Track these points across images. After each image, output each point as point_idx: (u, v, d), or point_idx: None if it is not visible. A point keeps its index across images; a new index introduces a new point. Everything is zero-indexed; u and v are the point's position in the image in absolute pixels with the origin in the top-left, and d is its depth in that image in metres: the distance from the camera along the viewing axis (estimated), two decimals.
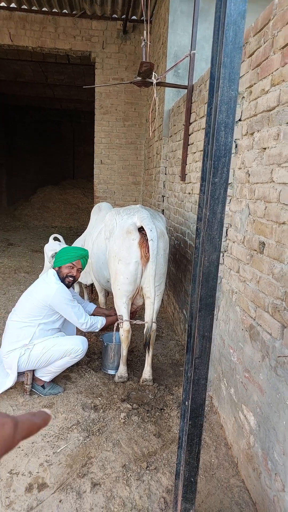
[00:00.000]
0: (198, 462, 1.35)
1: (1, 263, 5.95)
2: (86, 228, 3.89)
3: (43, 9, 5.59)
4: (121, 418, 2.25)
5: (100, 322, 2.58)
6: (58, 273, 2.48)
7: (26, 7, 5.54)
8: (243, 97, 2.02)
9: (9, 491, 1.72)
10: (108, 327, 2.71)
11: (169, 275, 3.98)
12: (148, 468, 1.90)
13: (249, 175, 1.91)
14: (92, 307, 2.90)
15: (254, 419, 1.74)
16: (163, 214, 4.38)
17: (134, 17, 5.66)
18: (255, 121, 1.86)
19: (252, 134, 1.89)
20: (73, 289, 2.87)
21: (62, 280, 2.46)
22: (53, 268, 2.54)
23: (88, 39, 5.79)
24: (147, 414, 2.31)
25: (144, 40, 3.02)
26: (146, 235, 2.46)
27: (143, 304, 2.73)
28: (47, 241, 4.01)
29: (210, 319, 1.23)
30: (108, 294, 3.52)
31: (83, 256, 2.54)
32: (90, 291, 4.15)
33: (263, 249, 1.71)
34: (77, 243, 3.88)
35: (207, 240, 1.18)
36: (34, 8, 5.57)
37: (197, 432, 1.32)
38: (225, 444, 2.10)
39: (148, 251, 2.45)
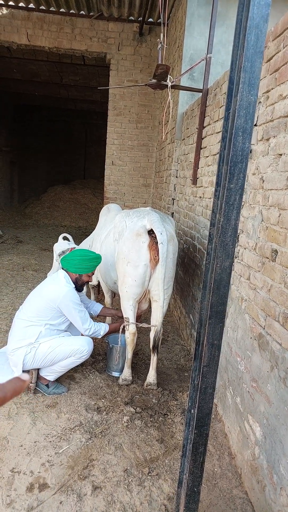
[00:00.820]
0: (202, 472, 1.32)
1: (10, 260, 6.00)
2: (94, 228, 3.90)
3: (60, 10, 5.64)
4: (124, 422, 2.23)
5: (103, 329, 2.58)
6: (77, 280, 2.50)
7: (44, 8, 5.60)
8: (260, 102, 1.99)
9: (10, 490, 1.72)
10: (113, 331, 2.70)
11: (177, 279, 3.95)
12: (149, 474, 1.87)
13: (263, 181, 1.88)
14: (99, 307, 2.89)
15: (260, 430, 1.70)
16: (172, 217, 4.36)
17: (150, 20, 5.67)
18: (271, 127, 1.83)
19: (267, 139, 1.87)
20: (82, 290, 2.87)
21: (75, 283, 2.47)
22: (62, 269, 2.54)
23: (104, 41, 5.82)
24: (150, 419, 2.29)
25: (160, 42, 3.02)
26: (155, 238, 2.45)
27: (148, 308, 2.72)
28: (56, 240, 4.03)
29: (220, 327, 1.21)
30: (115, 295, 3.51)
31: (99, 263, 2.60)
32: (97, 292, 4.15)
33: (275, 257, 1.68)
34: (85, 243, 3.89)
35: (220, 247, 1.16)
36: (52, 9, 5.62)
37: (203, 442, 1.29)
38: (229, 454, 2.07)
39: (158, 254, 2.44)
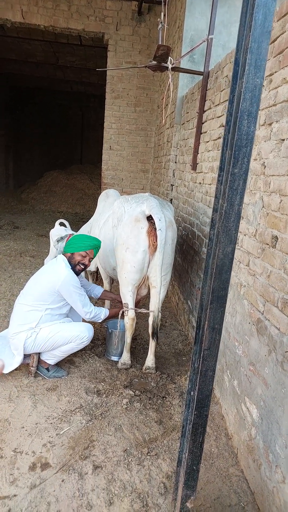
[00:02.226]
0: (201, 451, 1.36)
1: (7, 245, 5.97)
2: (92, 214, 3.88)
3: None
4: (124, 404, 2.28)
5: (103, 313, 2.60)
6: (70, 259, 2.48)
7: None
8: (263, 85, 1.95)
9: (13, 469, 1.76)
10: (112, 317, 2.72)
11: (175, 265, 3.96)
12: (149, 454, 1.93)
13: (264, 166, 1.87)
14: (99, 290, 2.91)
15: (257, 412, 1.75)
16: (171, 203, 4.34)
17: None
18: (274, 111, 1.81)
19: (270, 124, 1.84)
20: (81, 275, 2.87)
21: (73, 267, 2.47)
22: (63, 253, 2.53)
23: (102, 20, 5.63)
24: (149, 401, 2.34)
25: (161, 22, 2.93)
26: (154, 224, 2.44)
27: (147, 294, 2.74)
28: (53, 226, 4.00)
29: (222, 312, 1.23)
30: (113, 281, 3.52)
31: (97, 246, 2.56)
32: (95, 278, 4.16)
33: (275, 243, 1.69)
34: (83, 229, 3.87)
35: (223, 232, 1.16)
36: None
37: (202, 422, 1.33)
38: (226, 435, 2.13)
39: (156, 240, 2.44)
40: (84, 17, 5.61)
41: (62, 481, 1.72)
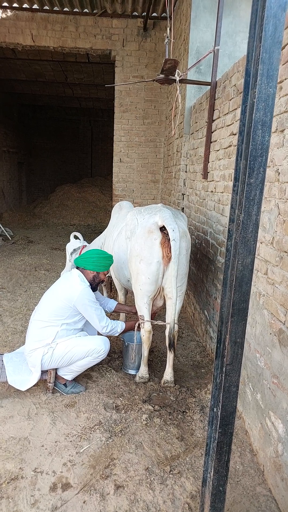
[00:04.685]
0: (227, 471, 1.31)
1: (21, 260, 6.06)
2: (103, 226, 3.90)
3: (64, 9, 5.62)
4: (143, 420, 2.23)
5: (120, 326, 2.58)
6: (88, 275, 2.50)
7: (48, 8, 5.59)
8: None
9: (34, 490, 1.74)
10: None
11: (190, 274, 3.93)
12: (171, 472, 1.87)
13: (278, 173, 1.84)
14: (113, 303, 2.90)
15: (283, 427, 1.68)
16: (182, 212, 4.33)
17: (154, 14, 5.60)
18: (285, 118, 1.79)
19: (282, 131, 1.82)
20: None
21: (92, 281, 2.48)
22: (77, 267, 2.54)
23: (108, 38, 5.78)
24: (169, 417, 2.29)
25: (167, 37, 2.98)
26: (168, 234, 2.43)
27: (163, 305, 2.71)
28: (66, 239, 4.06)
29: (243, 325, 1.19)
30: (127, 292, 3.51)
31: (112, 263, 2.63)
32: (109, 289, 4.16)
33: None
34: (97, 241, 3.89)
35: (241, 243, 1.13)
36: (55, 8, 5.61)
37: (227, 440, 1.28)
38: (250, 451, 2.05)
39: (170, 251, 2.42)
40: (91, 36, 5.77)
41: (84, 502, 1.68)
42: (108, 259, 2.56)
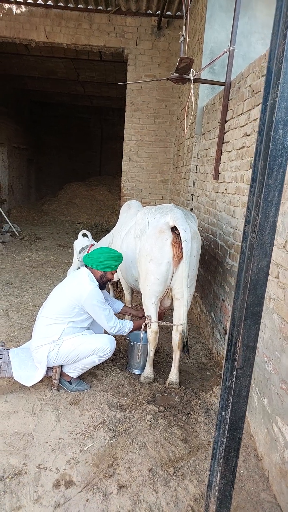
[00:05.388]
0: (234, 476, 1.29)
1: (29, 256, 6.08)
2: (111, 224, 3.89)
3: (78, 6, 5.63)
4: (147, 420, 2.22)
5: (128, 326, 2.57)
6: (96, 274, 2.48)
7: (62, 4, 5.60)
8: None
9: (37, 486, 1.73)
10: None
11: (197, 276, 3.89)
12: (175, 474, 1.86)
13: None
14: (120, 305, 2.88)
15: None
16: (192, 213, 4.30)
17: (169, 13, 5.58)
18: None
19: None
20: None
21: (100, 281, 2.47)
22: (85, 265, 2.53)
23: (122, 36, 5.77)
24: (174, 418, 2.27)
25: (182, 35, 2.95)
26: (178, 234, 2.41)
27: (171, 305, 2.69)
28: (73, 236, 4.06)
29: (256, 329, 1.17)
30: (133, 292, 3.49)
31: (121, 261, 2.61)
32: (115, 287, 4.15)
33: None
34: (105, 240, 3.89)
35: (258, 245, 1.11)
36: (70, 5, 5.62)
37: (235, 445, 1.26)
38: (255, 456, 2.02)
39: (181, 252, 2.40)
40: (104, 34, 5.77)
41: (87, 500, 1.67)
42: (116, 258, 2.54)
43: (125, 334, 2.58)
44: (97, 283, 2.45)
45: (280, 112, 1.05)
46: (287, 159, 1.07)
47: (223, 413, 1.31)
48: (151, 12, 5.64)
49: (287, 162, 1.07)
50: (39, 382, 2.44)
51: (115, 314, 2.99)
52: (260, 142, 1.14)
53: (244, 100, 2.73)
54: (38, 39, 5.80)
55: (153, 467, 1.89)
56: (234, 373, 1.21)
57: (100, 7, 5.63)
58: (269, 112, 1.09)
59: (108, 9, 5.65)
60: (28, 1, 5.58)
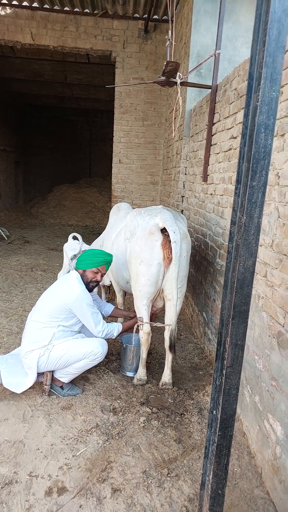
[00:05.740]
0: (226, 474, 1.30)
1: (17, 260, 6.03)
2: (101, 226, 3.89)
3: (65, 9, 5.62)
4: (141, 422, 2.22)
5: (116, 330, 2.56)
6: (82, 276, 2.47)
7: (48, 6, 5.58)
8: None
9: (28, 494, 1.71)
10: (127, 330, 2.69)
11: (189, 277, 3.90)
12: (169, 475, 1.86)
13: (278, 177, 1.85)
14: (110, 307, 2.88)
15: (281, 429, 1.68)
16: (182, 214, 4.33)
17: (155, 17, 5.62)
18: (286, 122, 1.80)
19: (282, 135, 1.83)
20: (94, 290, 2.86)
21: (86, 283, 2.46)
22: (75, 269, 2.53)
23: (109, 39, 5.79)
24: (167, 419, 2.28)
25: (168, 39, 2.98)
26: (168, 236, 2.43)
27: (163, 306, 2.70)
28: (63, 239, 4.03)
29: (244, 327, 1.19)
30: (126, 294, 3.50)
31: (108, 262, 2.54)
32: (107, 291, 4.14)
33: None
34: (96, 243, 3.88)
35: (243, 246, 1.13)
36: (56, 7, 5.61)
37: (227, 444, 1.27)
38: (248, 453, 2.05)
39: (171, 253, 2.41)
40: (91, 36, 5.78)
41: (80, 506, 1.66)
42: (95, 255, 2.49)
43: (113, 338, 2.58)
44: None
45: (262, 116, 1.07)
46: (269, 162, 1.10)
47: (214, 411, 1.32)
48: (138, 16, 5.67)
49: (269, 165, 1.10)
50: (29, 388, 2.42)
51: (107, 317, 2.99)
52: (244, 145, 1.17)
53: (230, 103, 2.78)
54: (24, 41, 5.77)
55: (147, 469, 1.89)
56: (224, 371, 1.23)
57: (86, 10, 5.64)
58: (251, 116, 1.12)
59: (95, 12, 5.66)
60: (13, 3, 5.54)
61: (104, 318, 2.76)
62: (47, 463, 1.90)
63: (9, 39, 5.75)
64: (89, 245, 3.95)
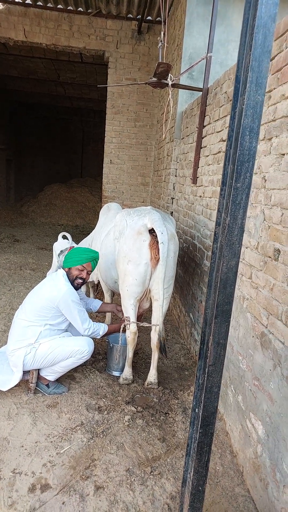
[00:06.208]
0: (207, 471, 1.32)
1: (7, 259, 5.96)
2: (92, 227, 3.89)
3: (58, 6, 5.60)
4: (126, 421, 2.23)
5: (102, 329, 2.56)
6: (68, 274, 2.47)
7: (41, 4, 5.56)
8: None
9: (11, 491, 1.71)
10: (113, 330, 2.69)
11: (176, 278, 3.95)
12: (152, 473, 1.88)
13: (265, 180, 1.89)
14: (98, 303, 2.89)
15: (262, 428, 1.71)
16: (172, 216, 4.36)
17: (149, 18, 5.65)
18: (273, 126, 1.84)
19: (270, 139, 1.87)
20: (80, 289, 2.85)
21: (72, 281, 2.45)
22: (62, 268, 2.52)
23: (102, 38, 5.79)
24: (152, 418, 2.29)
25: (161, 41, 3.01)
26: (156, 236, 2.44)
27: (150, 307, 2.72)
28: (53, 239, 4.01)
29: (226, 326, 1.21)
30: (114, 294, 3.50)
31: (94, 259, 2.53)
32: (95, 290, 4.14)
33: (278, 256, 1.68)
34: (85, 242, 3.88)
35: (227, 246, 1.15)
36: (49, 5, 5.58)
37: (208, 441, 1.29)
38: (230, 452, 2.07)
39: (158, 253, 2.43)
40: (85, 36, 5.77)
41: (63, 503, 1.66)
42: (80, 253, 2.49)
43: (99, 337, 2.58)
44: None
45: (247, 119, 1.10)
46: (253, 164, 1.12)
47: (196, 410, 1.34)
48: (131, 16, 5.69)
49: (253, 167, 1.13)
50: (15, 386, 2.40)
51: (95, 312, 2.99)
52: (230, 147, 1.19)
53: (220, 106, 2.81)
54: (16, 38, 5.72)
55: (131, 467, 1.90)
56: (206, 370, 1.25)
57: (80, 9, 5.63)
58: (237, 118, 1.14)
59: (89, 11, 5.66)
60: None
61: (92, 314, 2.75)
62: (31, 460, 1.89)
63: (2, 35, 5.70)
64: (78, 244, 3.94)
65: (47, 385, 2.47)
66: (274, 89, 1.84)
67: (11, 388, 2.39)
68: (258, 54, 1.07)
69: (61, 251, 3.86)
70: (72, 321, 2.44)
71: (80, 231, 9.44)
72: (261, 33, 1.06)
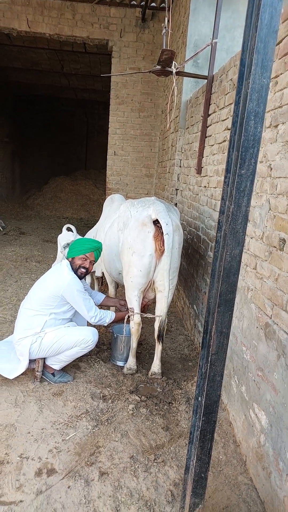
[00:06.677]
0: (209, 458, 1.33)
1: (13, 251, 6.00)
2: (96, 219, 3.89)
3: None
4: (130, 410, 2.25)
5: (109, 317, 2.58)
6: (71, 264, 2.48)
7: None
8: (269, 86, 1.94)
9: (19, 474, 1.74)
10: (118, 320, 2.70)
11: (180, 269, 3.93)
12: (155, 461, 1.90)
13: (271, 169, 1.85)
14: (101, 296, 2.90)
15: (266, 418, 1.71)
16: (176, 207, 4.33)
17: (153, 4, 5.53)
18: (280, 113, 1.80)
19: (276, 126, 1.83)
20: (85, 280, 2.87)
21: (75, 271, 2.46)
22: (66, 258, 2.53)
23: (106, 27, 5.70)
24: (156, 407, 2.31)
25: (165, 27, 2.95)
26: (161, 228, 2.43)
27: (155, 297, 2.72)
28: (58, 231, 4.02)
29: (229, 315, 1.21)
30: (118, 286, 3.51)
31: (97, 249, 2.53)
32: (100, 283, 4.15)
33: (283, 246, 1.66)
34: (89, 234, 3.88)
35: (230, 234, 1.14)
36: None
37: (210, 429, 1.30)
38: (234, 441, 2.09)
39: (163, 244, 2.42)
40: (88, 25, 5.68)
41: (68, 487, 1.69)
42: (83, 242, 2.51)
43: (105, 325, 2.59)
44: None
45: (252, 103, 1.07)
46: (258, 150, 1.10)
47: (199, 398, 1.35)
48: (135, 3, 5.58)
49: (258, 153, 1.10)
50: (22, 374, 2.44)
51: (98, 306, 3.00)
52: (234, 133, 1.17)
53: (226, 94, 2.76)
54: (20, 28, 5.66)
55: (134, 455, 1.93)
56: (209, 358, 1.25)
57: None
58: (242, 103, 1.12)
59: None
60: None
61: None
62: (38, 446, 1.92)
63: (5, 25, 5.64)
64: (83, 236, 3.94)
65: (53, 374, 2.50)
66: (281, 74, 1.79)
67: (18, 376, 2.42)
68: (264, 35, 1.04)
69: (67, 243, 3.88)
70: (78, 309, 2.45)
71: (85, 224, 9.45)
72: (268, 12, 1.02)
